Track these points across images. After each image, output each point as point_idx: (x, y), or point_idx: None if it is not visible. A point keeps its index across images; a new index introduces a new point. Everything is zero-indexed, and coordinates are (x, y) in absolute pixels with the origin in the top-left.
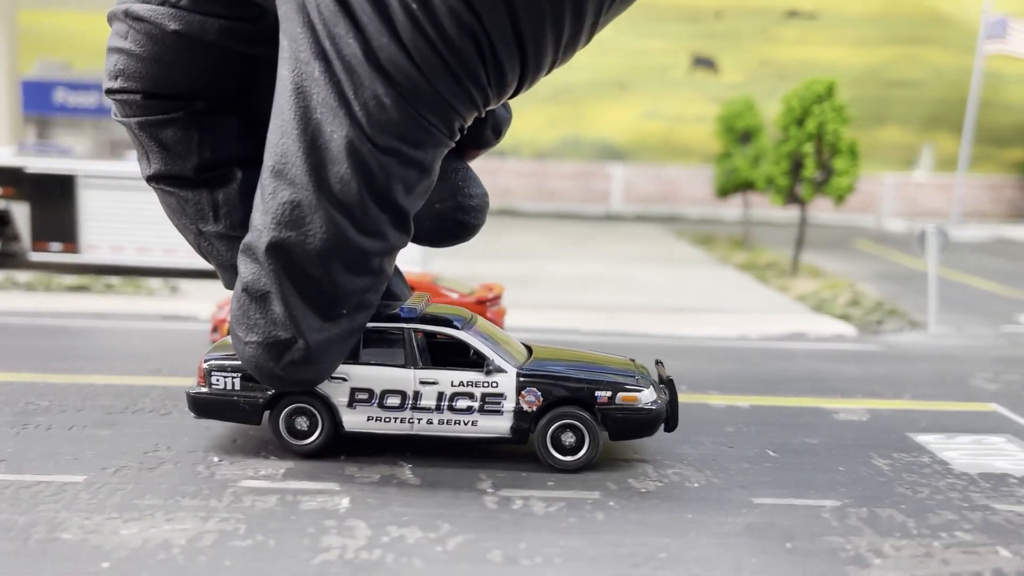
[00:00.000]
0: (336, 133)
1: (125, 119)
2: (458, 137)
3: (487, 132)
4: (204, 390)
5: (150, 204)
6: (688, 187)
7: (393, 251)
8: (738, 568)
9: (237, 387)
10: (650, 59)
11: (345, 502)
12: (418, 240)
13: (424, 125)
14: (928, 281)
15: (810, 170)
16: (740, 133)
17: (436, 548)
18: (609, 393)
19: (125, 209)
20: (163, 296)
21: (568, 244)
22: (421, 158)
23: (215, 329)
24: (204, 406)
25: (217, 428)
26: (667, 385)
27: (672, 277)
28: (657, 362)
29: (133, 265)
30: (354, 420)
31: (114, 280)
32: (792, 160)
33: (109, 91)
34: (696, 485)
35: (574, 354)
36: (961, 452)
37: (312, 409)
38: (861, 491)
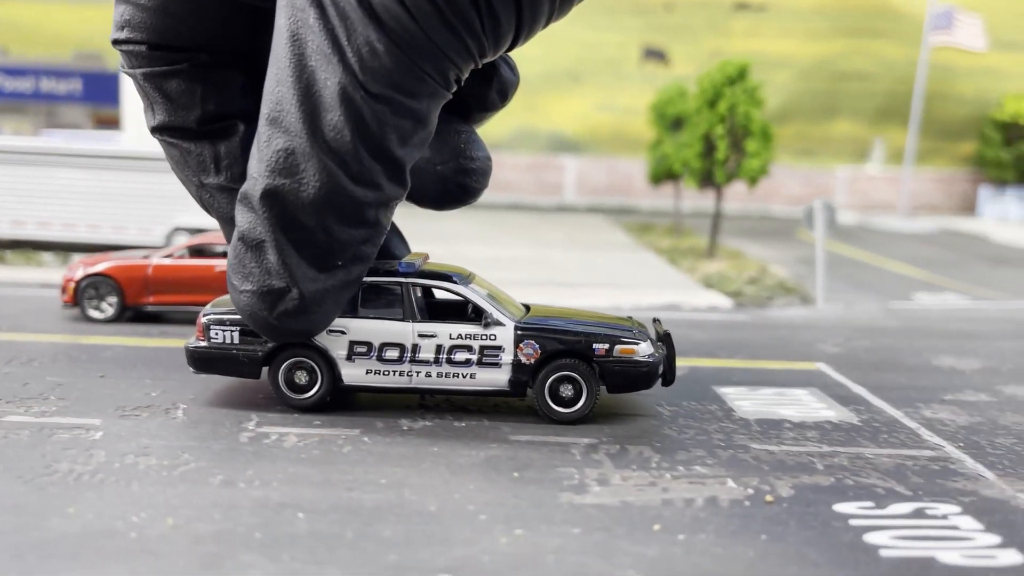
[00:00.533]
0: (330, 80)
1: (131, 70)
2: (455, 88)
3: (492, 94)
4: (203, 344)
5: (50, 180)
6: (641, 179)
7: (389, 203)
8: (451, 491)
9: (236, 341)
10: (602, 51)
11: (98, 435)
12: (420, 202)
13: (419, 74)
14: (816, 256)
15: (722, 152)
16: (671, 120)
17: (162, 474)
18: (607, 346)
19: (25, 184)
20: (52, 267)
21: (502, 231)
22: (416, 107)
23: (64, 290)
24: (202, 360)
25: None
26: (664, 340)
27: (586, 259)
28: (655, 320)
29: (34, 239)
30: (353, 373)
31: (8, 253)
32: (705, 143)
33: (115, 41)
34: (463, 424)
35: (571, 311)
36: (753, 402)
37: (311, 363)
38: (625, 432)
